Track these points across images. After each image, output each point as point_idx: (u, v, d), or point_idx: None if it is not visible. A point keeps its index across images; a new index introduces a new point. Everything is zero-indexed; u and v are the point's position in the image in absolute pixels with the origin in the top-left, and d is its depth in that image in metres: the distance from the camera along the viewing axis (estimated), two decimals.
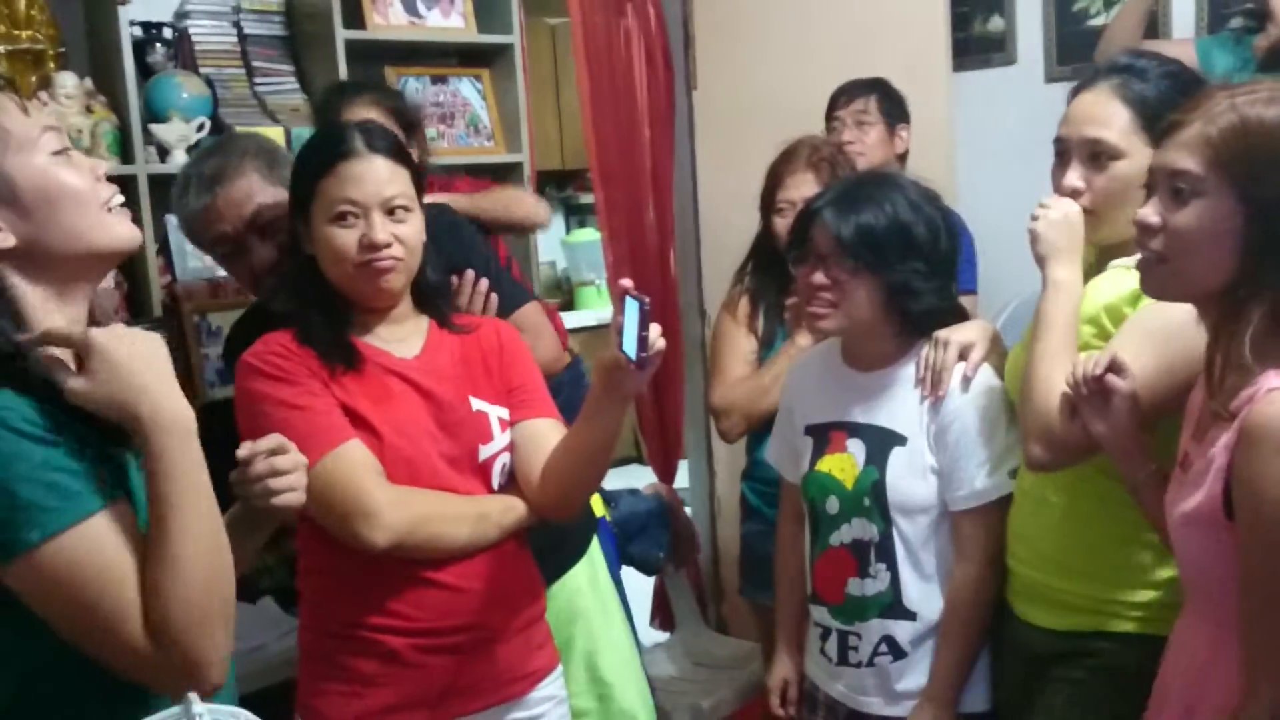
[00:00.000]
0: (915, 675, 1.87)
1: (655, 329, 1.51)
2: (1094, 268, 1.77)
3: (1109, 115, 1.67)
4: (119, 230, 1.26)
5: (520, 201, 2.50)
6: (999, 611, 1.84)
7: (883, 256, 1.81)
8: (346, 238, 1.66)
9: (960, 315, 1.93)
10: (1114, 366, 1.50)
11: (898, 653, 1.88)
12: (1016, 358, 1.81)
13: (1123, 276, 1.65)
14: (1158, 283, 1.42)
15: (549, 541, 1.84)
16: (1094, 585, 1.69)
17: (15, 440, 1.10)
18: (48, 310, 1.21)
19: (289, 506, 1.34)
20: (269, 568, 2.09)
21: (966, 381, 1.83)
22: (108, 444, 1.18)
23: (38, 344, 1.17)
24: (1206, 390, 1.39)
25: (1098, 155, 1.67)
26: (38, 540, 1.10)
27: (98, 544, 1.13)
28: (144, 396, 1.15)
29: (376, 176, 1.67)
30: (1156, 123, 1.58)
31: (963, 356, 1.84)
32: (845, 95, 2.92)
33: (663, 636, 3.32)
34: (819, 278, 1.85)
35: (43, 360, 1.17)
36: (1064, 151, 1.71)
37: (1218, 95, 1.35)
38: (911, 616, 1.86)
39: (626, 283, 1.54)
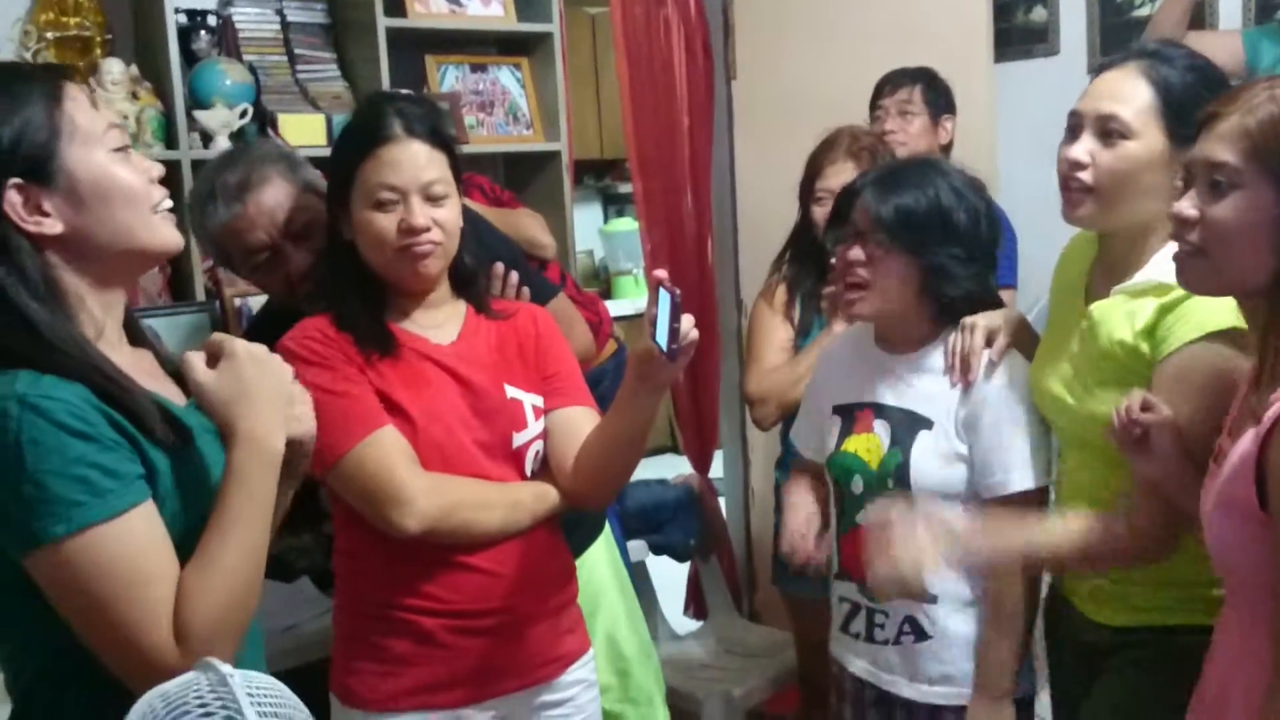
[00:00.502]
0: (937, 661, 1.87)
1: (688, 320, 1.52)
2: (1099, 257, 1.74)
3: (1130, 93, 1.62)
4: (164, 232, 1.28)
5: (528, 226, 2.45)
6: (1053, 602, 1.82)
7: (920, 238, 1.80)
8: (385, 222, 1.67)
9: (997, 306, 1.92)
10: (1145, 406, 1.49)
11: (920, 634, 1.87)
12: (1037, 371, 1.80)
13: (1133, 309, 1.62)
14: (1195, 277, 1.40)
15: (569, 520, 1.85)
16: (1156, 588, 1.67)
17: (54, 433, 1.12)
18: (86, 302, 1.24)
19: (297, 438, 1.32)
20: (306, 548, 2.11)
21: (992, 366, 1.82)
22: (146, 443, 1.20)
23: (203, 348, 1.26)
24: (1251, 386, 1.37)
25: (1110, 132, 1.61)
26: (62, 534, 1.12)
27: (124, 543, 1.15)
28: (250, 412, 1.23)
29: (414, 161, 1.67)
30: (1176, 110, 1.58)
31: (990, 343, 1.83)
32: (890, 84, 2.91)
33: (695, 625, 3.33)
34: (856, 254, 1.84)
35: (171, 357, 1.26)
36: (1076, 125, 1.66)
37: (1257, 87, 1.33)
38: (932, 600, 1.86)
39: (661, 274, 1.55)
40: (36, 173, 1.19)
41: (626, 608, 2.33)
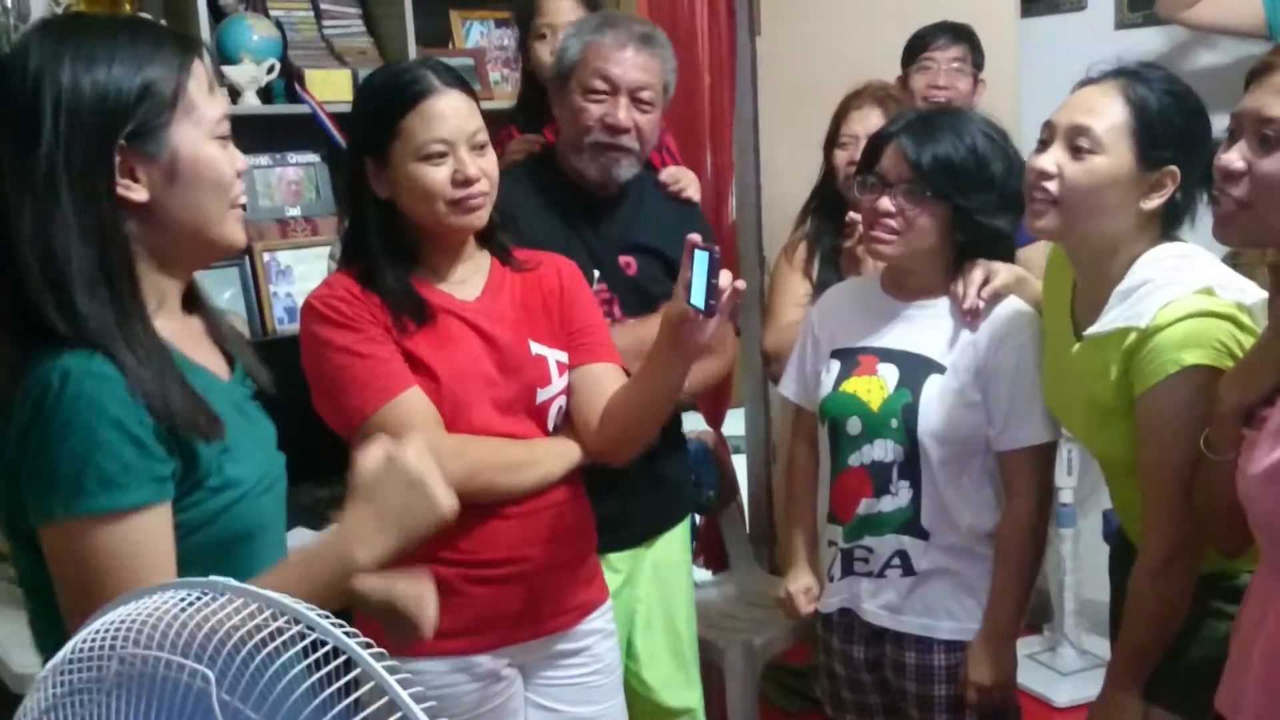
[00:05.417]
0: (919, 596, 1.90)
1: (726, 275, 1.53)
2: (1075, 282, 1.75)
3: (1105, 108, 1.63)
4: (232, 229, 1.27)
5: None
6: (1121, 550, 1.82)
7: (957, 185, 1.81)
8: (438, 175, 1.67)
9: (1010, 258, 1.94)
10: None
11: (908, 569, 1.90)
12: (1048, 388, 1.82)
13: (1106, 356, 1.63)
14: (1238, 231, 1.40)
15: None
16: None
17: (86, 415, 1.12)
18: (150, 275, 1.23)
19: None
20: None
21: (996, 298, 1.85)
22: (183, 440, 1.18)
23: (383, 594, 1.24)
24: None
25: (1079, 146, 1.63)
26: (61, 516, 1.13)
27: (117, 541, 1.14)
28: (368, 521, 1.22)
29: (459, 111, 1.68)
30: (1148, 131, 1.60)
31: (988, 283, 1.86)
32: (944, 38, 2.88)
33: (708, 575, 3.37)
34: (885, 204, 1.84)
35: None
36: (1048, 137, 1.67)
37: None
38: (925, 535, 1.88)
39: (694, 237, 1.57)
40: (143, 138, 1.19)
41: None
